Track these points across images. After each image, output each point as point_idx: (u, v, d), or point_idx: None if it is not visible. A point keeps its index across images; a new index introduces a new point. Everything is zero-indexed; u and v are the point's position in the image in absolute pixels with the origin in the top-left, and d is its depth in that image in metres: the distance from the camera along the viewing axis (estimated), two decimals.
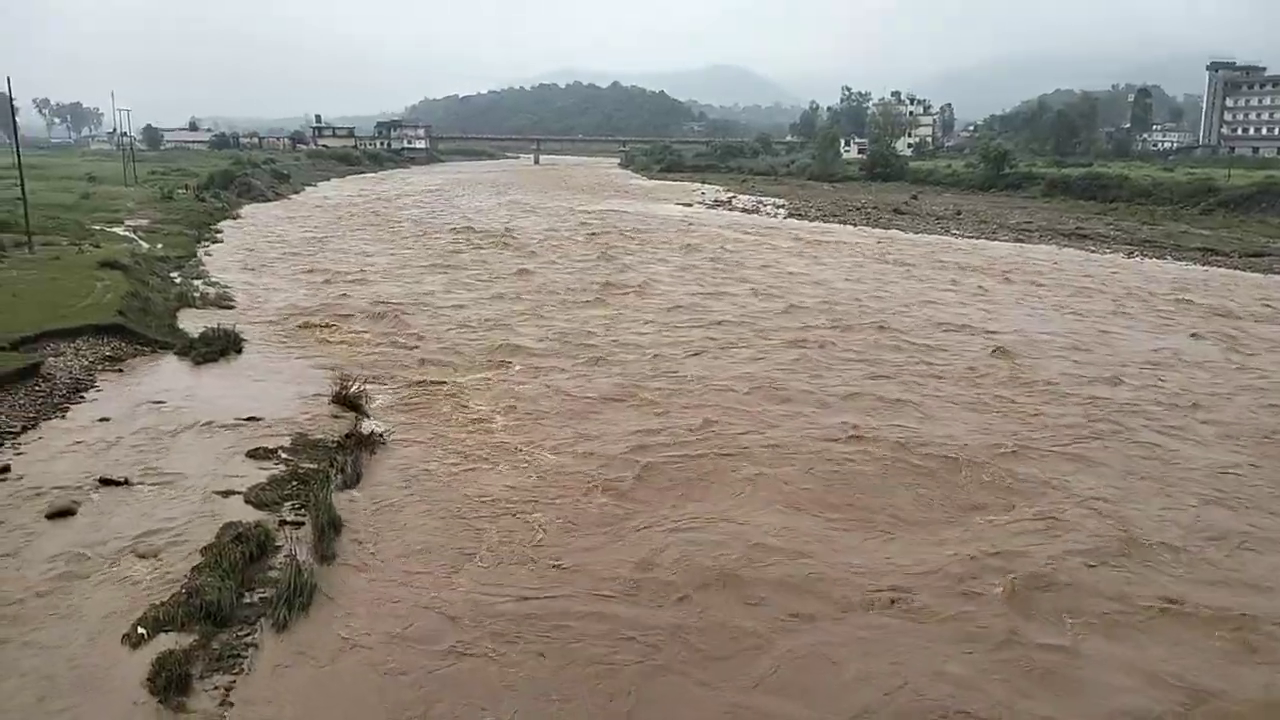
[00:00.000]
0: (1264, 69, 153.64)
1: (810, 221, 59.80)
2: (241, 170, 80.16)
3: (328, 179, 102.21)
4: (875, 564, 11.48)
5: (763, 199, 79.64)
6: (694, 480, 14.08)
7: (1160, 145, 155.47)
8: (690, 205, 72.64)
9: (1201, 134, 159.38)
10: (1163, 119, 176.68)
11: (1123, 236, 52.42)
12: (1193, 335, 25.50)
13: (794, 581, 11.01)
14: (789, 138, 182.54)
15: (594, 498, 13.38)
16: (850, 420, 16.89)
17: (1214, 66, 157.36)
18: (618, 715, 8.61)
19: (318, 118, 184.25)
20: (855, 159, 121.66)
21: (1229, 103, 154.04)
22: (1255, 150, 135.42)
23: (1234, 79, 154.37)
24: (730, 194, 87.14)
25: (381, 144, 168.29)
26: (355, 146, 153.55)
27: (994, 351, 22.59)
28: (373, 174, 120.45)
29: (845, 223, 58.89)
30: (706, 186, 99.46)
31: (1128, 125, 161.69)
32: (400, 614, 10.18)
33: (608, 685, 9.02)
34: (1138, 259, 43.35)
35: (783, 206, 71.64)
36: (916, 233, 53.38)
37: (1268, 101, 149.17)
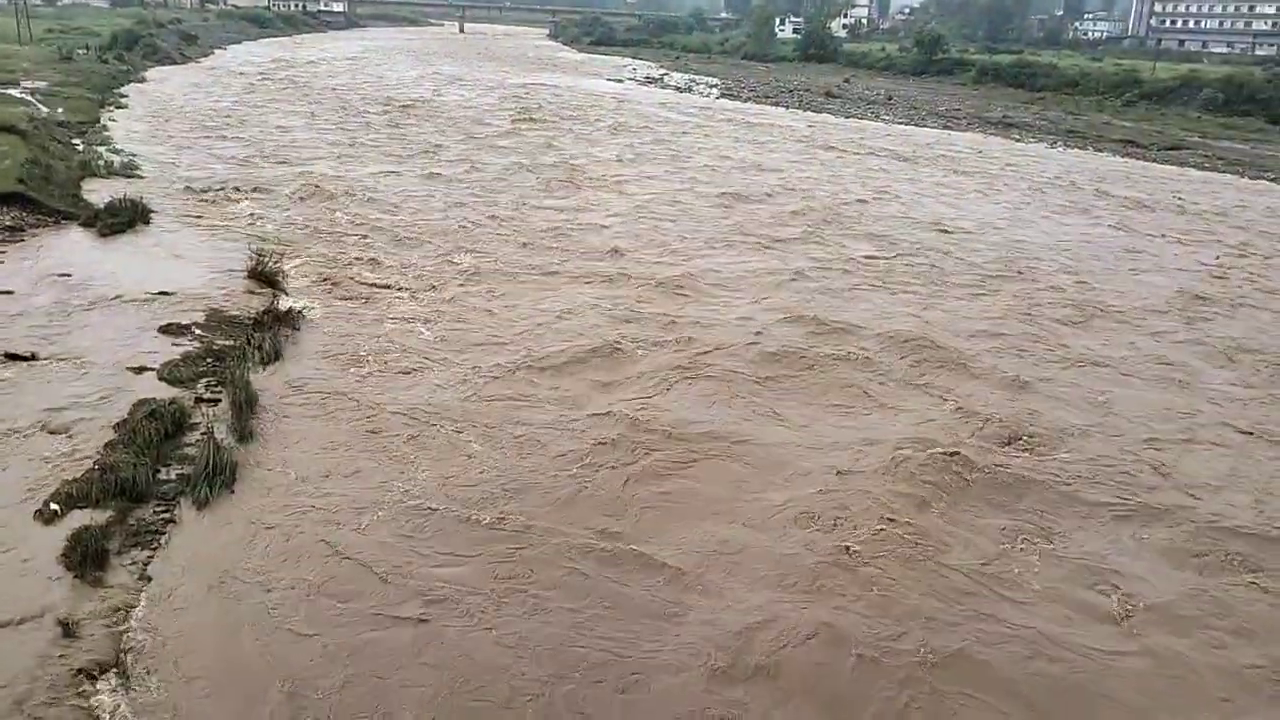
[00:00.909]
0: None
1: (743, 102, 59.06)
2: (146, 30, 75.26)
3: (239, 42, 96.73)
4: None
5: (696, 77, 78.12)
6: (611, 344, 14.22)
7: (1090, 35, 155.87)
8: (621, 81, 71.00)
9: (1131, 24, 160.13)
10: (1095, 8, 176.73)
11: (1048, 126, 53.04)
12: (1106, 225, 26.28)
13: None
14: (724, 14, 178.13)
15: (529, 376, 13.44)
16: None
17: None
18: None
19: None
20: (790, 39, 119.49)
21: None
22: (1181, 43, 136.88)
23: None
24: (663, 71, 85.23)
25: (297, 6, 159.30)
26: (268, 8, 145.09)
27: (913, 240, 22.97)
28: (287, 38, 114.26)
29: (778, 104, 58.32)
30: (638, 62, 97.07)
31: (1060, 13, 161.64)
32: (318, 493, 10.20)
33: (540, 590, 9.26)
34: (1060, 149, 43.99)
35: (715, 86, 70.45)
36: (848, 117, 53.20)
37: None
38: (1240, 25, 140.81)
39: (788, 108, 56.83)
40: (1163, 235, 25.58)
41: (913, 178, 32.45)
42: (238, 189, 24.44)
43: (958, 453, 11.53)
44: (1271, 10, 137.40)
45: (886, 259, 20.94)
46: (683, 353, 14.49)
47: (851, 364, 14.48)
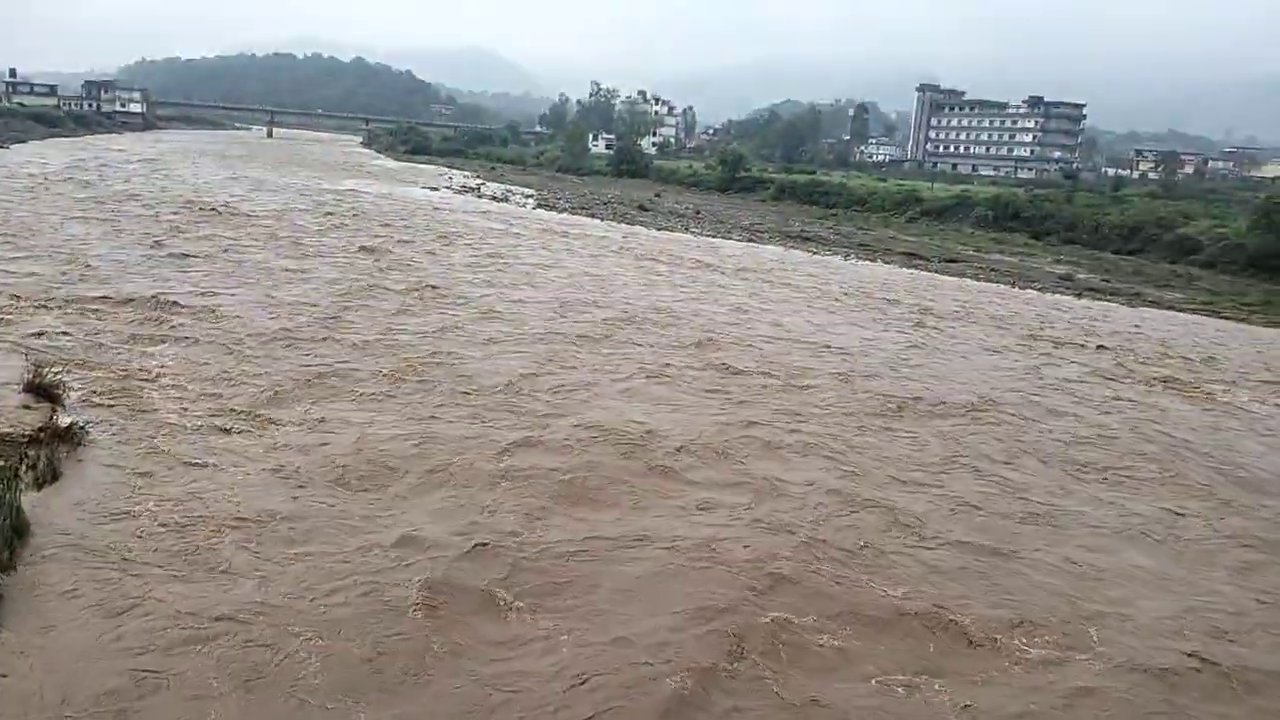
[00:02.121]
0: (964, 93, 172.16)
1: (559, 213, 60.51)
2: None
3: (24, 141, 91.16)
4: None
5: (512, 188, 79.59)
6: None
7: (875, 157, 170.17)
8: (437, 190, 71.32)
9: (910, 149, 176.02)
10: (878, 133, 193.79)
11: (841, 240, 57.11)
12: (891, 327, 28.25)
13: None
14: (538, 128, 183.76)
15: (332, 492, 12.87)
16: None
17: (922, 88, 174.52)
18: None
19: (12, 72, 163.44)
20: (603, 154, 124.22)
21: (934, 121, 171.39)
22: (954, 166, 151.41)
23: (938, 100, 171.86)
24: (479, 181, 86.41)
25: (90, 105, 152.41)
26: (59, 106, 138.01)
27: (703, 340, 23.84)
28: (79, 138, 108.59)
29: (593, 216, 60.09)
30: (454, 171, 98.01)
31: (848, 137, 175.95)
32: (100, 618, 9.29)
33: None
34: (853, 261, 47.33)
35: (531, 196, 71.96)
36: (659, 229, 55.40)
37: (965, 123, 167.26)
38: (1004, 152, 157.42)
39: (603, 219, 58.59)
40: (953, 338, 27.77)
41: (723, 285, 33.97)
42: (15, 298, 22.61)
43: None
44: (1029, 139, 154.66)
45: (693, 361, 21.61)
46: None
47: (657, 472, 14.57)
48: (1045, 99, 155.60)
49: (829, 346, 24.75)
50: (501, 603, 10.32)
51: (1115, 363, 26.28)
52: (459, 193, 71.01)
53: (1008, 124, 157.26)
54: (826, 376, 21.30)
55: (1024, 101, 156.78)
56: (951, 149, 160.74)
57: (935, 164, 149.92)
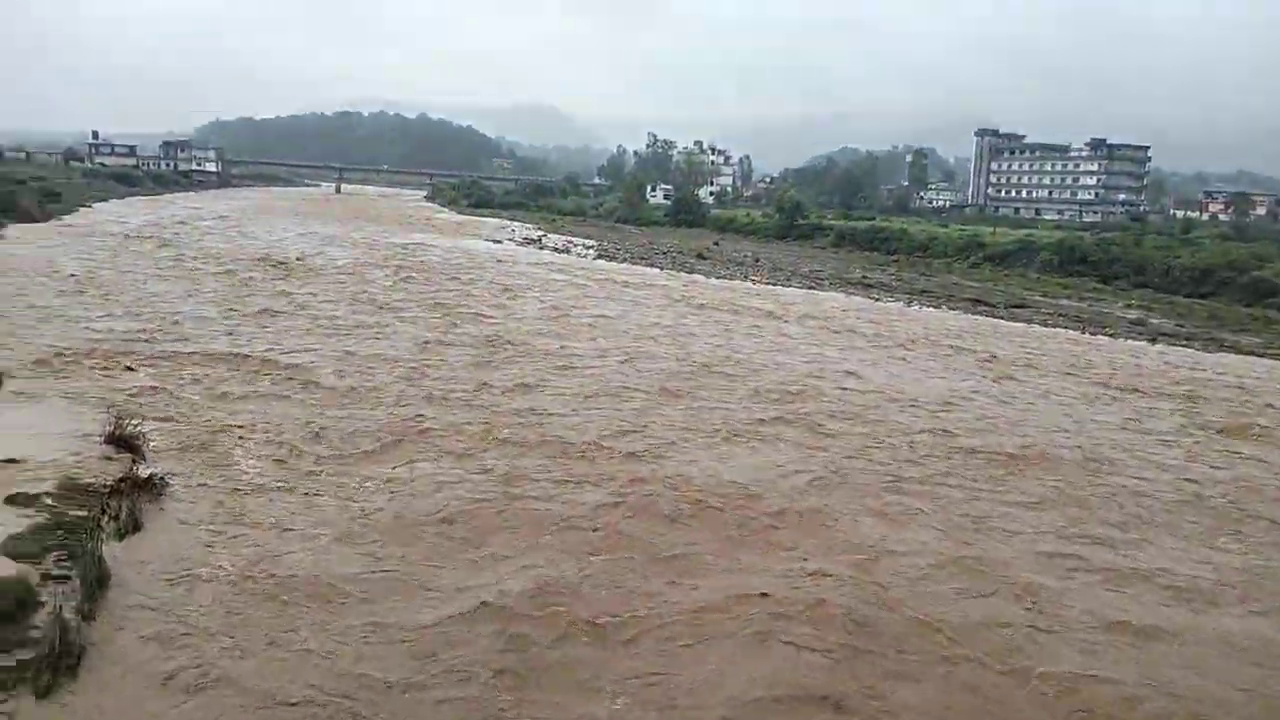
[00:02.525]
0: (1023, 136, 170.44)
1: (620, 263, 61.02)
2: (5, 187, 73.14)
3: (105, 200, 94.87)
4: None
5: (572, 239, 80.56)
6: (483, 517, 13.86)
7: (934, 202, 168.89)
8: (501, 243, 72.49)
9: (970, 194, 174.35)
10: (937, 178, 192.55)
11: (903, 286, 56.56)
12: (966, 376, 27.72)
13: None
14: (597, 180, 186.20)
15: (402, 552, 12.92)
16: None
17: (980, 132, 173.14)
18: None
19: (95, 134, 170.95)
20: (661, 204, 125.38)
21: (994, 166, 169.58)
22: (1016, 210, 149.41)
23: (997, 144, 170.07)
24: (541, 233, 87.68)
25: (168, 165, 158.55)
26: (138, 166, 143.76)
27: (782, 394, 23.61)
28: (157, 197, 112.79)
29: (653, 265, 60.47)
30: (515, 224, 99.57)
31: (906, 183, 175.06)
32: (176, 684, 9.37)
33: None
34: (916, 307, 46.78)
35: (592, 247, 72.73)
36: (718, 278, 55.50)
37: (1026, 166, 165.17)
38: (1067, 195, 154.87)
39: (663, 269, 58.93)
40: (1035, 388, 27.13)
41: (790, 335, 33.79)
42: (101, 351, 23.36)
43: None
44: (1093, 182, 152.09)
45: (776, 414, 21.38)
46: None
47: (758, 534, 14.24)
48: (1108, 141, 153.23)
49: (914, 401, 23.74)
50: (587, 680, 9.94)
51: (1201, 411, 25.37)
52: (521, 245, 72.13)
53: (1070, 167, 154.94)
54: (923, 434, 20.33)
55: (1086, 144, 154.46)
56: (1013, 193, 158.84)
57: (996, 208, 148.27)
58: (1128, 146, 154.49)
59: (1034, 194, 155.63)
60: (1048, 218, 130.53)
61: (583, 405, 20.88)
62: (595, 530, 13.74)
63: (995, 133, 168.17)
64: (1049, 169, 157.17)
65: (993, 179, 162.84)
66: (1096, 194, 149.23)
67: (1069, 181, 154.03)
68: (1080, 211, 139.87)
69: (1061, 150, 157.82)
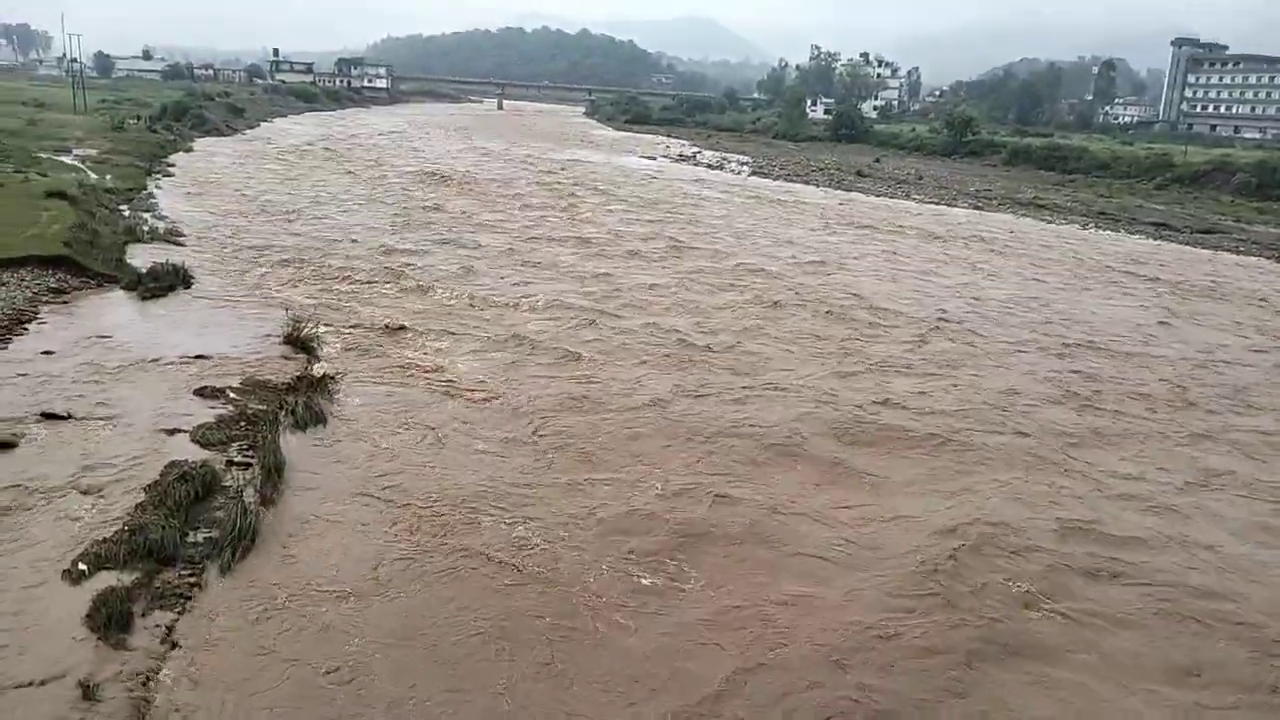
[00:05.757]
0: (1226, 47, 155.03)
1: (774, 180, 59.81)
2: (195, 102, 77.89)
3: (284, 115, 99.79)
4: None
5: (728, 156, 79.35)
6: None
7: (1121, 119, 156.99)
8: (655, 159, 72.20)
9: (1162, 109, 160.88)
10: (1125, 93, 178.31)
11: (1079, 208, 53.18)
12: (1141, 306, 26.06)
13: None
14: (756, 95, 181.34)
15: (551, 456, 13.39)
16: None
17: (1178, 42, 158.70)
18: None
19: (275, 52, 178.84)
20: (821, 119, 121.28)
21: (1190, 79, 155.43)
22: (1213, 128, 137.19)
23: (1197, 55, 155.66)
24: (695, 149, 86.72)
25: (342, 81, 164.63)
26: (314, 83, 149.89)
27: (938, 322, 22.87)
28: (331, 112, 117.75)
29: (809, 183, 58.98)
30: (671, 140, 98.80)
31: (1090, 97, 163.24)
32: (342, 563, 10.11)
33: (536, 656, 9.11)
34: (1093, 230, 43.98)
35: (747, 164, 71.48)
36: (878, 196, 53.67)
37: (1228, 80, 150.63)
38: (1272, 111, 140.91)
39: (819, 186, 57.42)
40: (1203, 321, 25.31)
41: (952, 257, 32.55)
42: (280, 255, 24.89)
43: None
44: None
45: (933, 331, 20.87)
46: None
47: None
48: None
49: (1110, 341, 22.04)
50: None
51: None
52: (675, 161, 71.64)
53: (1279, 81, 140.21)
54: (1155, 386, 18.78)
55: None
56: (1211, 109, 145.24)
57: (1190, 126, 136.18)
58: None
59: (1235, 110, 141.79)
60: (1249, 136, 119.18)
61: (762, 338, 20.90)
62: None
63: (1195, 42, 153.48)
64: (1254, 83, 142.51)
65: (1188, 93, 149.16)
66: None
67: (1275, 96, 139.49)
68: None
69: (1270, 62, 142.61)
